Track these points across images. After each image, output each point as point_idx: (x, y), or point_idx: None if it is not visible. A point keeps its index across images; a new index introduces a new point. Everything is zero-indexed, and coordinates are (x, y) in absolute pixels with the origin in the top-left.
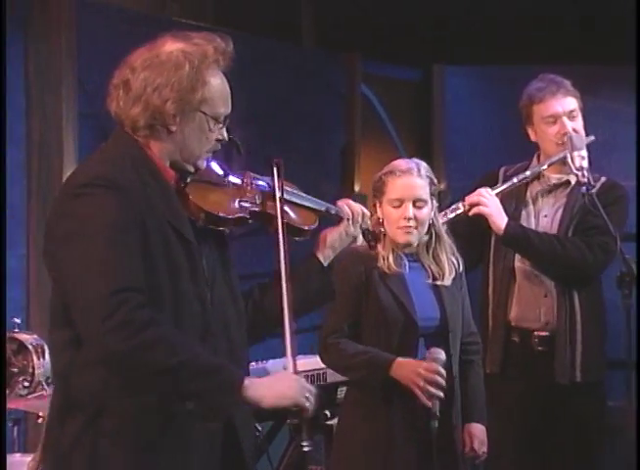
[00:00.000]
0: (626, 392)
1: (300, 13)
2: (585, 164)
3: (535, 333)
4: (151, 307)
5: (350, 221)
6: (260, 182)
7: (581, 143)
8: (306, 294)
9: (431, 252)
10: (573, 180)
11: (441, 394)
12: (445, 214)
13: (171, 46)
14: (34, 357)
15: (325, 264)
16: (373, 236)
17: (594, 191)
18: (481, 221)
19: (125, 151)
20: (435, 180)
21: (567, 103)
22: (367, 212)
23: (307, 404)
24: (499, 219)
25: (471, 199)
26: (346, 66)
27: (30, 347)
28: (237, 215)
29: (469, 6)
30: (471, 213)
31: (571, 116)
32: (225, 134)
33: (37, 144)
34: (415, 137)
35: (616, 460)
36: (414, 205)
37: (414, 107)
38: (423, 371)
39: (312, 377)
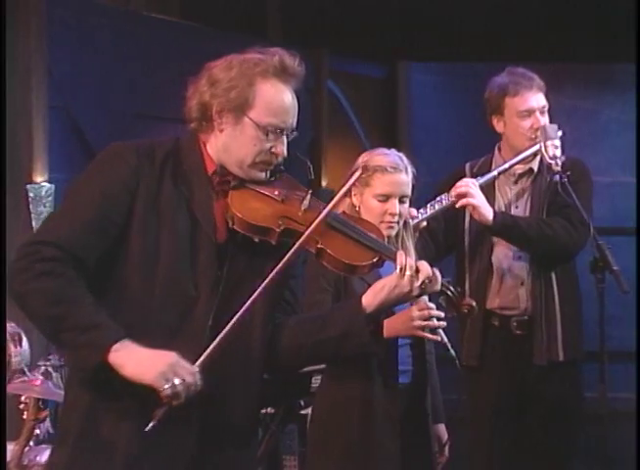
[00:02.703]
0: (599, 383)
1: (266, 8)
2: (558, 152)
3: (514, 318)
4: (60, 261)
5: (402, 273)
6: (317, 205)
7: (554, 132)
8: (333, 332)
9: (399, 241)
10: (536, 168)
11: (444, 323)
12: (432, 207)
13: (244, 55)
14: (11, 345)
15: (367, 310)
16: (454, 309)
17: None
18: (454, 215)
19: (173, 141)
20: (415, 173)
21: (540, 98)
22: (427, 270)
23: (166, 389)
24: (486, 210)
25: (458, 190)
26: (313, 62)
27: (7, 335)
28: (264, 225)
29: (433, 3)
30: (458, 205)
31: (542, 111)
32: (282, 149)
33: (7, 136)
34: (380, 133)
35: (587, 449)
36: (399, 200)
37: (379, 103)
38: (416, 313)
39: None
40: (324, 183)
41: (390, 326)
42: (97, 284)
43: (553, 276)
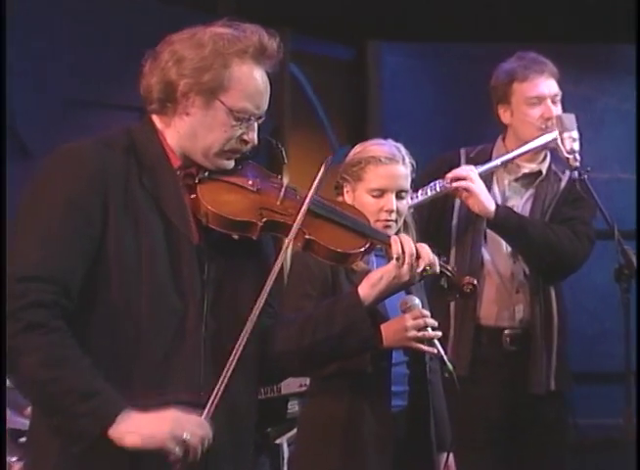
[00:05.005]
0: (626, 407)
1: None
2: (577, 146)
3: (506, 331)
4: (60, 306)
5: (400, 262)
6: (294, 193)
7: (572, 124)
8: (330, 330)
9: None
10: (545, 171)
11: (439, 333)
12: (425, 192)
13: (213, 28)
14: None
15: (364, 303)
16: (456, 290)
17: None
18: (441, 205)
19: (125, 134)
20: (415, 165)
21: (552, 85)
22: (428, 255)
23: (178, 450)
24: (487, 200)
25: (456, 173)
26: None
27: None
28: (245, 219)
29: None
30: (455, 185)
31: (554, 100)
32: (253, 136)
33: None
34: (348, 122)
35: None
36: (396, 195)
37: (346, 89)
38: (410, 322)
39: (265, 389)
40: (286, 179)
41: (385, 336)
42: (80, 310)
43: (552, 289)
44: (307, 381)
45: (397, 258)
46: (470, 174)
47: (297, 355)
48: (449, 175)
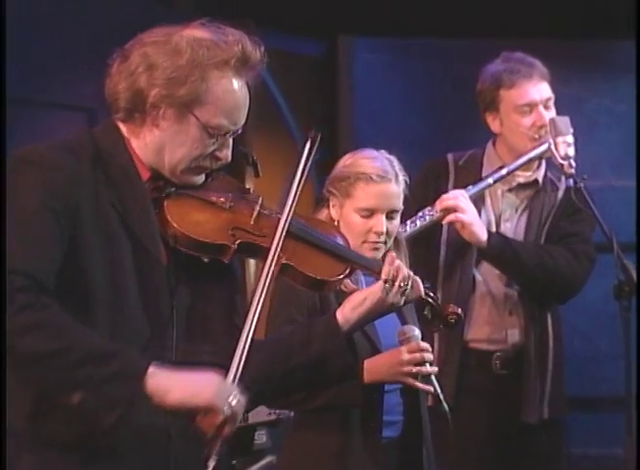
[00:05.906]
0: (625, 436)
1: None
2: (572, 152)
3: (497, 354)
4: (37, 292)
5: (389, 285)
6: (269, 212)
7: (566, 127)
8: (305, 357)
9: None
10: (541, 180)
11: (436, 369)
12: (414, 223)
13: (191, 32)
14: None
15: (343, 328)
16: (440, 319)
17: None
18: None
19: (87, 138)
20: (408, 180)
21: (543, 89)
22: (413, 278)
23: (225, 410)
24: (479, 229)
25: (445, 203)
26: None
27: None
28: (216, 242)
29: None
30: (445, 221)
31: (546, 104)
32: (227, 153)
33: None
34: (317, 124)
35: None
36: (387, 216)
37: (315, 87)
38: (407, 356)
39: None
40: (249, 186)
41: (374, 370)
42: None
43: (548, 311)
44: (276, 410)
45: (387, 280)
46: (459, 204)
47: (269, 383)
48: (438, 206)
